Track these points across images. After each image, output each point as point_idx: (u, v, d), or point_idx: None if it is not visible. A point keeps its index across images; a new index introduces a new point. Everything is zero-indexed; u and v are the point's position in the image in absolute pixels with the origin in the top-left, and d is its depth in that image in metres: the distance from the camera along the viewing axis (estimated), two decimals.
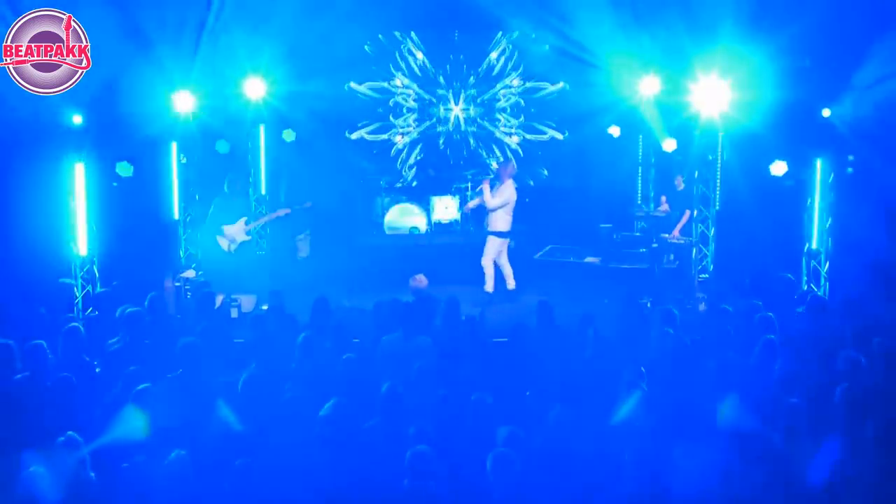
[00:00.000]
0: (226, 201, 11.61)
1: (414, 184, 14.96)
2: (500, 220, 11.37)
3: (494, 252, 11.51)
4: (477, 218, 14.22)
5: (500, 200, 11.28)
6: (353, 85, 14.88)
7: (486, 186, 11.43)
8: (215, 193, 12.26)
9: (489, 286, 11.38)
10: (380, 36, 14.82)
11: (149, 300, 8.12)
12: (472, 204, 12.11)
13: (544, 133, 15.19)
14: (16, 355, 6.63)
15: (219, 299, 10.28)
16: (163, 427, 5.82)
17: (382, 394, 5.99)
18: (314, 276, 11.79)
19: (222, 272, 11.35)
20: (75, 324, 7.42)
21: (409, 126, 15.24)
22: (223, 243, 11.50)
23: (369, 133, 15.12)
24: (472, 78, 15.12)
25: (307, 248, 13.05)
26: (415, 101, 15.18)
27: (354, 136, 15.06)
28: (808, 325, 7.78)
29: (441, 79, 15.12)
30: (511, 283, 11.54)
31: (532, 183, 15.13)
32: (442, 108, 15.22)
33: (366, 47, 14.78)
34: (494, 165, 15.20)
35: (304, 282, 11.15)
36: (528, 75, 15.06)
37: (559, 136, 15.10)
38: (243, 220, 11.54)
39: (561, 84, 14.91)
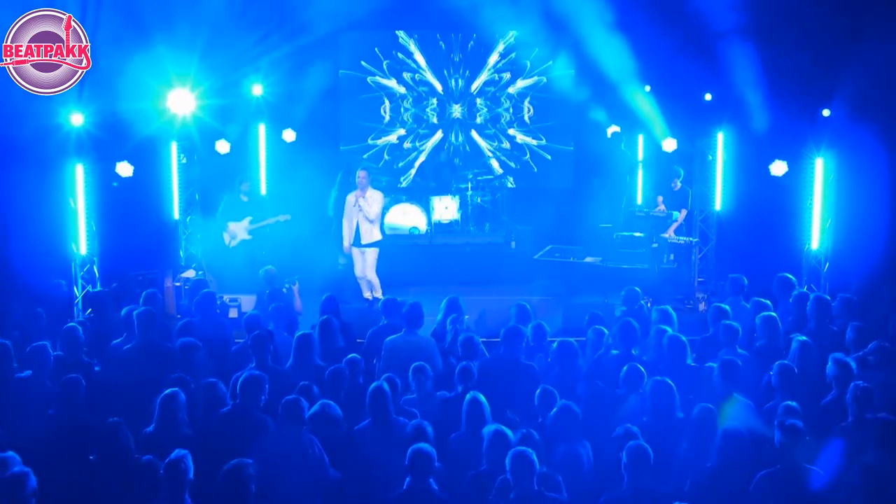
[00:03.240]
0: (235, 198, 11.69)
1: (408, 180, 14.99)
2: (377, 230, 11.22)
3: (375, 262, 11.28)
4: (476, 218, 14.23)
5: (378, 208, 11.14)
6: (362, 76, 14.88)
7: (362, 202, 10.98)
8: (216, 192, 12.29)
9: (379, 293, 11.20)
10: (385, 49, 14.84)
11: (144, 297, 8.12)
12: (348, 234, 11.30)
13: (542, 136, 15.22)
14: (13, 355, 6.61)
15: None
16: (163, 427, 5.82)
17: (370, 392, 5.98)
18: (314, 277, 11.77)
19: (223, 271, 11.35)
20: (73, 324, 7.39)
21: (408, 127, 15.25)
22: (225, 237, 11.63)
23: (373, 138, 15.17)
24: (470, 76, 15.13)
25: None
26: (414, 101, 15.19)
27: (372, 141, 15.08)
28: (809, 324, 7.77)
29: (445, 76, 15.13)
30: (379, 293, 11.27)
31: (530, 182, 15.16)
32: (441, 107, 15.22)
33: (376, 49, 14.81)
34: (497, 167, 15.25)
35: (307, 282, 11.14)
36: (529, 75, 15.06)
37: (534, 143, 15.13)
38: (248, 219, 11.65)
39: (552, 76, 14.90)
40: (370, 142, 15.25)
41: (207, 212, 12.38)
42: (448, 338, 7.70)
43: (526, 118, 15.28)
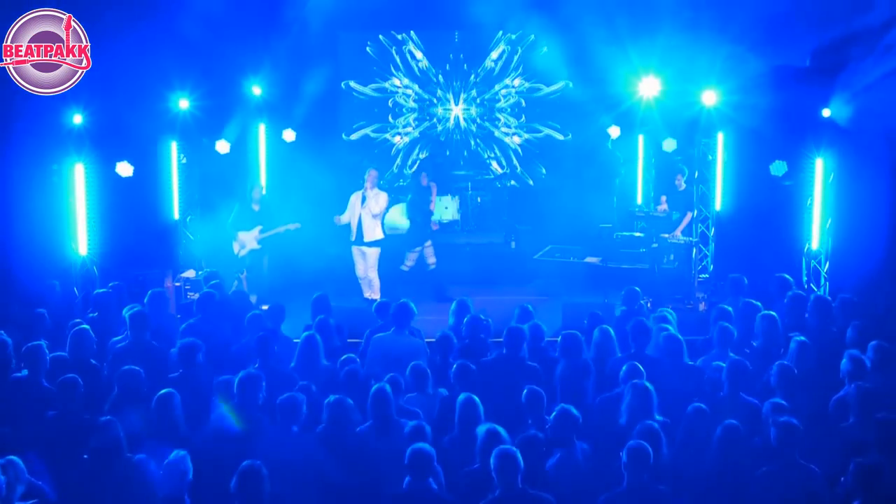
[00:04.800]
0: (247, 207, 11.61)
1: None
2: (379, 228, 11.30)
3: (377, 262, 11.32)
4: (476, 218, 14.24)
5: (384, 205, 11.25)
6: (352, 84, 14.91)
7: (369, 193, 11.10)
8: (216, 193, 12.28)
9: (377, 294, 11.22)
10: (381, 37, 14.84)
11: (149, 297, 8.11)
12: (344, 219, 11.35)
13: (542, 133, 15.21)
14: (11, 353, 6.61)
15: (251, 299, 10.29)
16: (163, 426, 5.82)
17: (372, 394, 5.98)
18: (314, 277, 11.77)
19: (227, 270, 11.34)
20: (85, 326, 7.37)
21: (408, 126, 15.26)
22: (235, 247, 11.54)
23: (371, 132, 15.17)
24: (472, 77, 15.13)
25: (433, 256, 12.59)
26: (415, 101, 15.20)
27: (354, 136, 15.08)
28: (808, 324, 7.76)
29: (441, 79, 15.13)
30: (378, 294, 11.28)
31: (532, 182, 15.17)
32: (441, 108, 15.24)
33: (368, 48, 14.80)
34: (497, 167, 15.25)
35: (308, 284, 11.13)
36: (528, 75, 15.06)
37: (559, 137, 15.10)
38: (258, 228, 11.54)
39: (561, 84, 14.89)
40: (371, 134, 15.26)
41: (207, 212, 12.37)
42: (464, 339, 7.65)
43: (525, 118, 15.28)
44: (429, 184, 12.65)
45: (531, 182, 15.17)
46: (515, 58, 15.05)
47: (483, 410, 5.89)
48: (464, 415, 5.83)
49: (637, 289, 8.63)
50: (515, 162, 15.29)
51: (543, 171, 15.15)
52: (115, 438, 5.35)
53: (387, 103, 15.22)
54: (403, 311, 7.47)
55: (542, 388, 6.19)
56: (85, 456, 5.39)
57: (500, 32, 14.87)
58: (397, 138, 15.22)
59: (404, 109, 15.26)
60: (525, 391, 6.11)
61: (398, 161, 15.25)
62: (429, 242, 12.47)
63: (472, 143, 15.34)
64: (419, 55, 15.06)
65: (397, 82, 15.10)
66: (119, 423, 5.45)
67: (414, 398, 6.53)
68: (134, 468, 5.31)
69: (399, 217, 13.95)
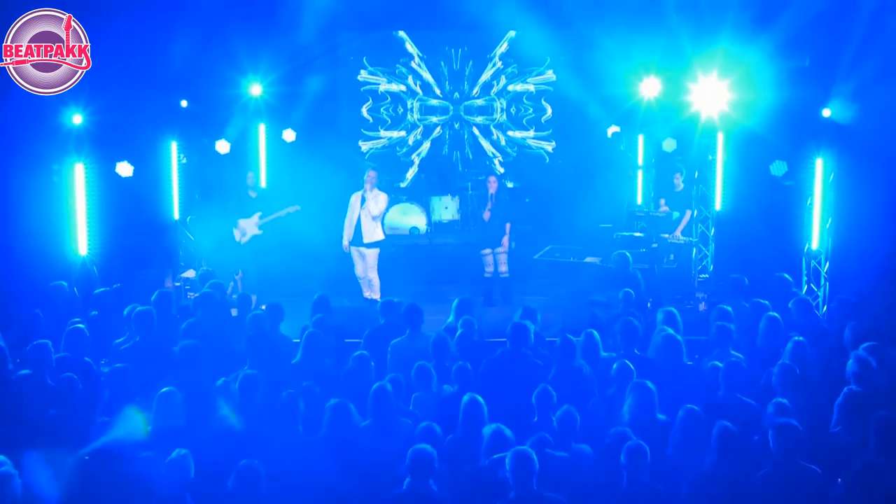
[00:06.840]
0: (244, 195, 11.67)
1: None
2: (379, 230, 11.27)
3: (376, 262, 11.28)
4: (476, 218, 14.21)
5: (383, 206, 11.21)
6: (362, 75, 14.90)
7: (368, 195, 11.04)
8: (217, 193, 12.29)
9: (377, 294, 11.20)
10: (381, 35, 14.86)
11: (155, 296, 8.12)
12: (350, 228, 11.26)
13: (543, 136, 15.22)
14: (8, 357, 6.61)
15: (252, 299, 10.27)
16: (164, 426, 5.83)
17: (372, 393, 5.98)
18: (314, 277, 11.77)
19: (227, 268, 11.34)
20: (80, 325, 7.38)
21: (408, 127, 15.27)
22: (236, 234, 11.59)
23: (373, 138, 15.19)
24: (470, 76, 15.13)
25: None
26: (415, 101, 15.19)
27: (365, 146, 15.11)
28: (803, 324, 7.77)
29: (444, 80, 15.14)
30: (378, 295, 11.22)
31: (531, 182, 15.16)
32: (441, 107, 15.23)
33: (371, 48, 14.83)
34: (497, 167, 15.25)
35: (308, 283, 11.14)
36: (527, 74, 15.07)
37: (548, 146, 15.12)
38: (258, 214, 11.62)
39: (552, 75, 14.88)
40: (373, 141, 15.26)
41: (207, 212, 12.37)
42: (456, 337, 7.66)
43: (525, 118, 15.28)
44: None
45: (530, 182, 15.17)
46: (515, 56, 15.04)
47: (487, 409, 5.89)
48: (468, 415, 5.83)
49: (630, 290, 8.62)
50: (528, 160, 15.29)
51: (535, 168, 15.14)
52: (113, 439, 5.36)
53: (387, 103, 15.21)
54: (416, 312, 7.47)
55: (549, 386, 6.20)
56: (85, 456, 5.40)
57: (502, 32, 14.86)
58: (394, 135, 15.23)
59: (403, 109, 15.25)
60: (536, 390, 6.11)
61: (413, 172, 15.27)
62: (488, 250, 12.07)
63: (472, 142, 15.34)
64: (419, 54, 15.06)
65: (395, 86, 15.09)
66: (117, 424, 5.47)
67: (418, 397, 6.54)
68: (134, 468, 5.31)
69: (400, 217, 13.96)
